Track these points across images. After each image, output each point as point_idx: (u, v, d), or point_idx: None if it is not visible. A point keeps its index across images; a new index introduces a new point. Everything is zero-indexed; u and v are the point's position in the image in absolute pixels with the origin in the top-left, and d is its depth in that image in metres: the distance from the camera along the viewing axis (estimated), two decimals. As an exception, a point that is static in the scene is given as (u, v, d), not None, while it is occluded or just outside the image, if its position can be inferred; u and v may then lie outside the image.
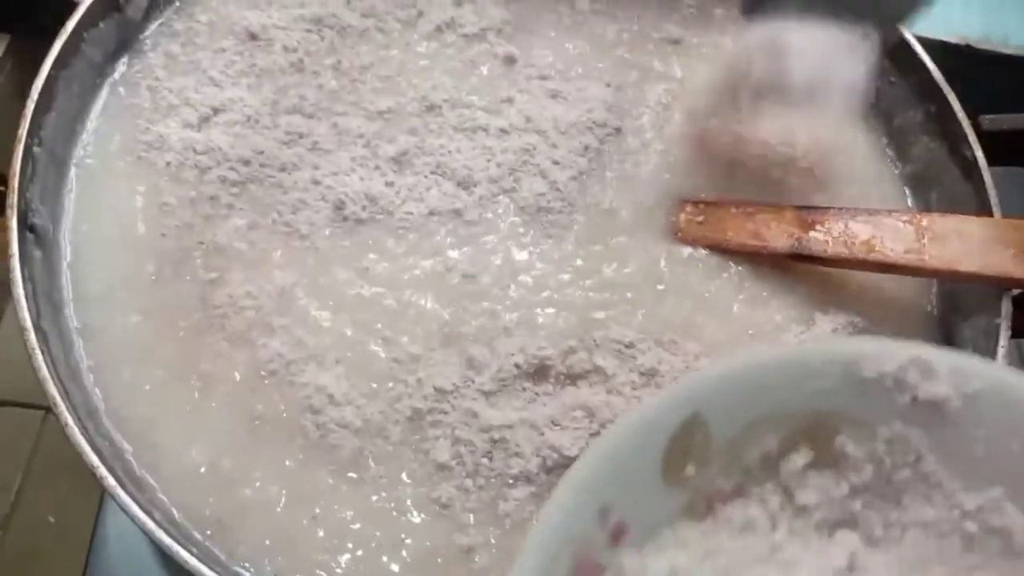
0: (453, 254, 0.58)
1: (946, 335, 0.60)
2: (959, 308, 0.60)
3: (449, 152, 0.60)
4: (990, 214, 0.59)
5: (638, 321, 0.57)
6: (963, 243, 0.55)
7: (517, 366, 0.54)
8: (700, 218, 0.61)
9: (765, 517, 0.39)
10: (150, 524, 0.43)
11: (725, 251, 0.60)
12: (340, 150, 0.59)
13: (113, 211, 0.56)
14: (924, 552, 0.38)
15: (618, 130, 0.64)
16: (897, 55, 0.66)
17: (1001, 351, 0.54)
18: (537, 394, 0.54)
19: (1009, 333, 0.55)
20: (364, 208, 0.58)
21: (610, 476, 0.36)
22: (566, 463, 0.51)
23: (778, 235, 0.59)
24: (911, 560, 0.38)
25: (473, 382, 0.53)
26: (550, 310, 0.57)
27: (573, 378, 0.54)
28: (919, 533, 0.39)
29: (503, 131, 0.62)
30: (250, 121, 0.59)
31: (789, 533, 0.39)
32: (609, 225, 0.61)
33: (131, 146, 0.58)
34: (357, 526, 0.50)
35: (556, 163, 0.61)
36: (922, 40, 0.67)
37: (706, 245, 0.60)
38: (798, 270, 0.60)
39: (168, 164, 0.57)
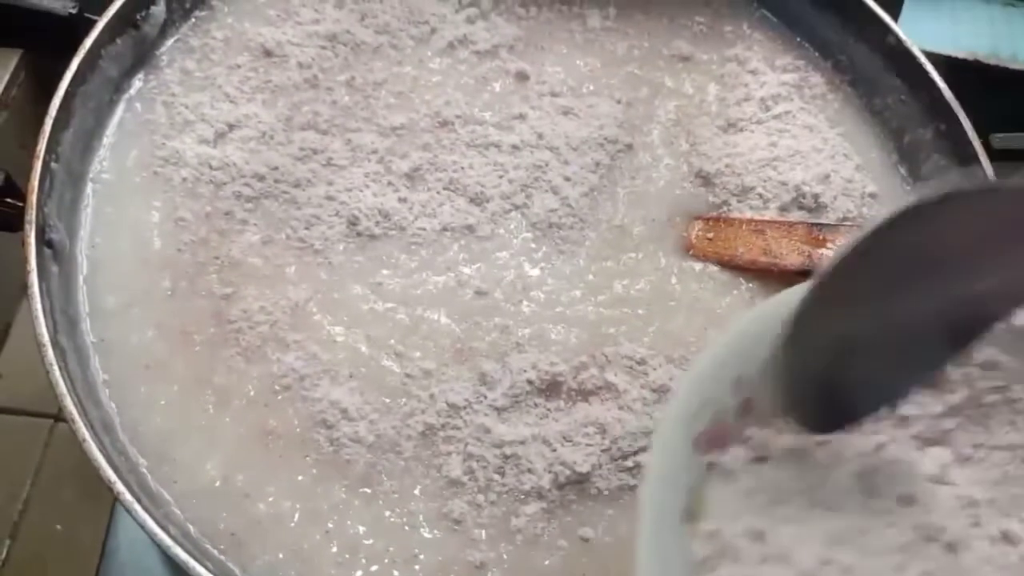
0: (466, 270, 0.58)
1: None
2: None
3: (462, 168, 0.61)
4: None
5: (649, 337, 0.57)
6: None
7: (529, 382, 0.54)
8: (711, 234, 0.61)
9: (870, 421, 0.42)
10: (166, 539, 0.43)
11: (736, 267, 0.60)
12: (354, 166, 0.60)
13: (129, 226, 0.56)
14: (1007, 472, 0.42)
15: (629, 146, 0.65)
16: (908, 73, 0.66)
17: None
18: (549, 410, 0.54)
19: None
20: (377, 224, 0.58)
21: (746, 353, 0.40)
22: (578, 479, 0.52)
23: (789, 252, 0.59)
24: (994, 479, 0.42)
25: (486, 398, 0.54)
26: (562, 326, 0.57)
27: (585, 394, 0.55)
28: (1003, 455, 0.42)
29: (515, 147, 0.62)
30: (264, 137, 0.60)
31: (890, 438, 0.42)
32: (620, 241, 0.61)
33: (147, 161, 0.59)
34: (370, 541, 0.50)
35: (568, 179, 0.61)
36: (931, 56, 0.67)
37: (717, 261, 0.61)
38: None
39: (184, 179, 0.58)
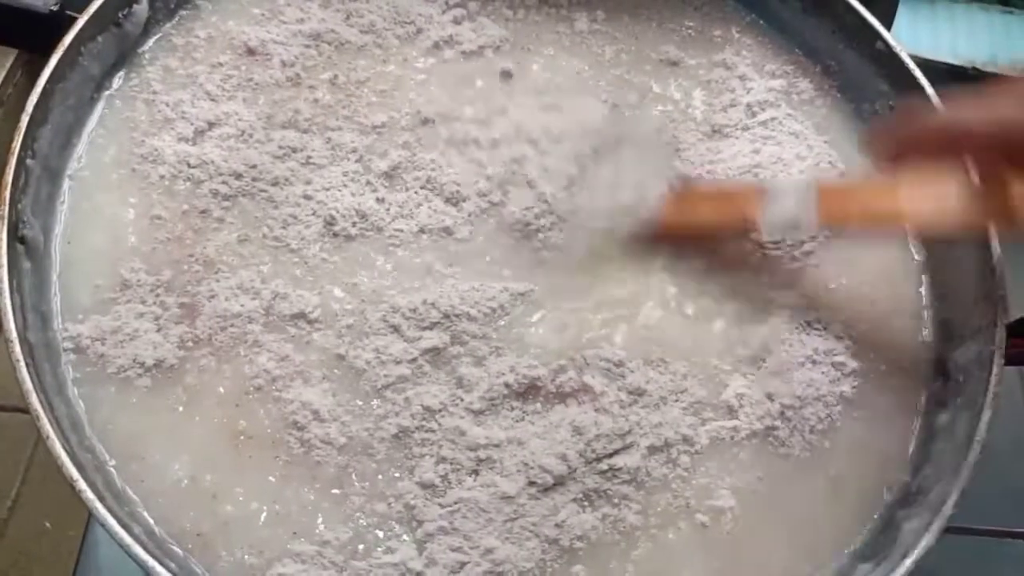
0: (443, 271, 0.58)
1: (939, 362, 0.59)
2: (952, 335, 0.59)
3: (440, 167, 0.60)
4: (987, 240, 0.58)
5: (628, 339, 0.57)
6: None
7: (507, 385, 0.54)
8: (679, 206, 0.60)
9: None
10: (127, 539, 0.43)
11: (701, 234, 0.59)
12: (333, 165, 0.60)
13: (105, 223, 0.56)
14: None
15: (612, 149, 0.64)
16: (896, 79, 0.66)
17: (994, 379, 0.54)
18: (526, 413, 0.54)
19: (1003, 361, 0.54)
20: (354, 224, 0.58)
21: None
22: (552, 482, 0.51)
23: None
24: None
25: (462, 400, 0.53)
26: (541, 329, 0.57)
27: (562, 397, 0.54)
28: None
29: (495, 142, 0.62)
30: (244, 135, 0.60)
31: None
32: (600, 242, 0.60)
33: (126, 159, 0.58)
34: (338, 543, 0.49)
35: (548, 180, 0.60)
36: (926, 63, 0.66)
37: (682, 228, 0.59)
38: (788, 291, 0.59)
39: (162, 177, 0.58)
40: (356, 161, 0.60)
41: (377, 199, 0.59)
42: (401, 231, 0.58)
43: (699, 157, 0.63)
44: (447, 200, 0.59)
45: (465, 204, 0.59)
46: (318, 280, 0.56)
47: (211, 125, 0.60)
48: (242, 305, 0.54)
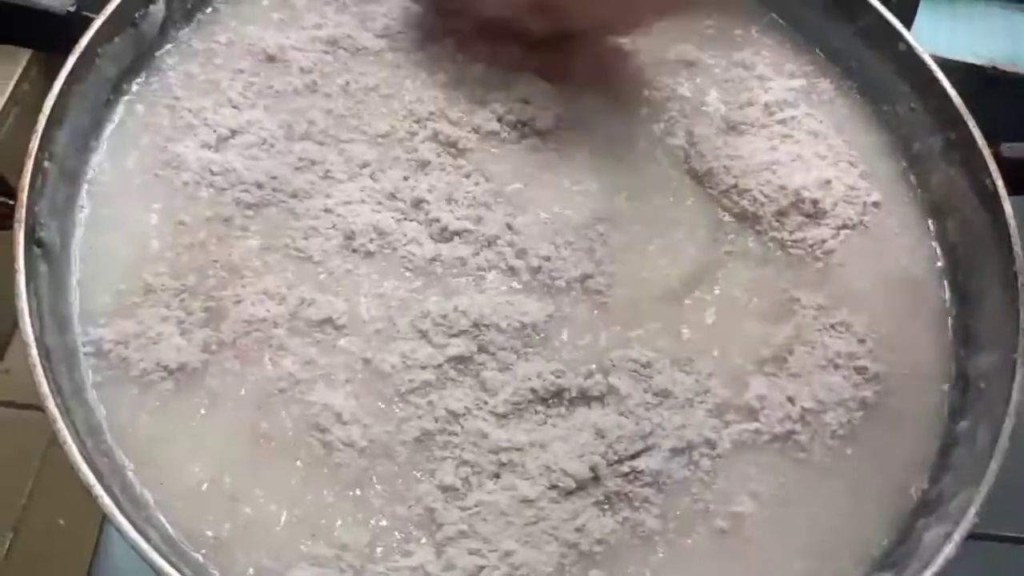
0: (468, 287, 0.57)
1: (960, 367, 0.59)
2: (974, 341, 0.59)
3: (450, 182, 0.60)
4: (1009, 245, 0.57)
5: (654, 341, 0.56)
6: None
7: (533, 391, 0.53)
8: None
9: None
10: (143, 544, 0.43)
11: None
12: (350, 181, 0.59)
13: (127, 228, 0.56)
14: None
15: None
16: (918, 81, 0.65)
17: (1016, 387, 0.53)
18: (548, 416, 0.53)
19: (1025, 368, 0.54)
20: (372, 240, 0.57)
21: None
22: (573, 485, 0.51)
23: None
24: None
25: (486, 404, 0.53)
26: (570, 337, 0.56)
27: (587, 400, 0.54)
28: None
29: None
30: (265, 144, 0.59)
31: None
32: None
33: (148, 164, 0.58)
34: (357, 546, 0.49)
35: None
36: (946, 62, 0.65)
37: None
38: (813, 291, 0.59)
39: (185, 184, 0.57)
40: (370, 177, 0.59)
41: (395, 219, 0.58)
42: (414, 255, 0.57)
43: (714, 151, 0.63)
44: (445, 231, 0.58)
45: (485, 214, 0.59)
46: (343, 289, 0.56)
47: (234, 133, 0.59)
48: (268, 310, 0.54)
